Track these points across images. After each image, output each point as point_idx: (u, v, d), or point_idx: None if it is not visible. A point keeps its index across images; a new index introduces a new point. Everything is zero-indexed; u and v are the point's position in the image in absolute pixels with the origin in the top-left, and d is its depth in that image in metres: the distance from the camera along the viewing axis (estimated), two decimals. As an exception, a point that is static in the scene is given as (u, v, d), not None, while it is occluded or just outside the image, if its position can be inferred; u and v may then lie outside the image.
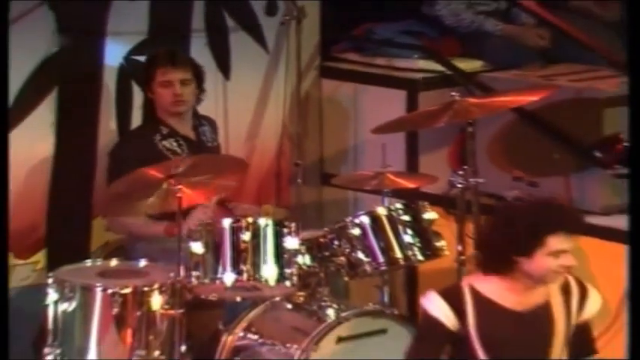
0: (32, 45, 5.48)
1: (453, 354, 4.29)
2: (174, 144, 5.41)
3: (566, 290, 4.27)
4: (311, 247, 5.09)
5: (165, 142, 5.40)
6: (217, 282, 4.96)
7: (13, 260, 5.50)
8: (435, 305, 4.23)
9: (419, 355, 4.29)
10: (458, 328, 4.22)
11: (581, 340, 4.32)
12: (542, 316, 4.23)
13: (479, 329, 4.22)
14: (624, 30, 6.22)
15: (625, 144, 5.34)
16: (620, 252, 5.24)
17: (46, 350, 4.99)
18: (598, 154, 5.44)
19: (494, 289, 4.23)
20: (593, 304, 4.31)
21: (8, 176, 3.79)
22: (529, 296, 4.22)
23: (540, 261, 4.16)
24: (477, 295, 4.23)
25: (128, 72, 5.68)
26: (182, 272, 4.93)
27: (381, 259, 5.10)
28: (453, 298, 4.23)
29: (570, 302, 4.27)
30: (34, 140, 5.54)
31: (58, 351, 4.97)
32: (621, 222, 5.35)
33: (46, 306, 4.99)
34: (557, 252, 4.15)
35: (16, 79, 5.44)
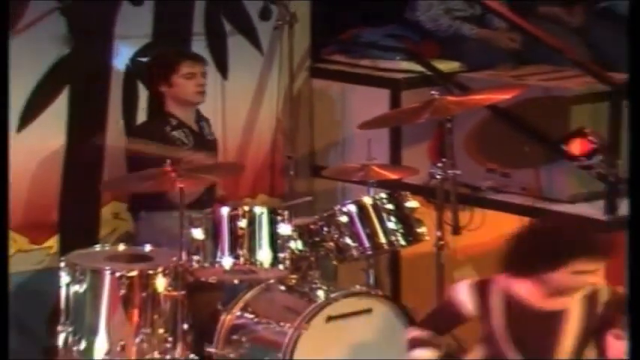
0: (46, 47, 5.49)
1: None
2: (182, 134, 5.44)
3: (592, 299, 4.21)
4: (302, 233, 5.09)
5: (174, 133, 5.43)
6: (216, 265, 4.98)
7: (28, 245, 5.52)
8: (462, 291, 4.24)
9: (428, 325, 4.32)
10: (474, 316, 4.23)
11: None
12: (558, 319, 4.18)
13: (508, 324, 4.19)
14: (588, 34, 6.28)
15: (590, 138, 5.35)
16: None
17: (59, 328, 5.01)
18: (565, 148, 5.41)
19: (526, 288, 4.19)
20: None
21: (8, 176, 3.77)
22: (553, 297, 4.18)
23: (563, 277, 4.11)
24: (507, 293, 4.20)
25: (134, 72, 5.68)
26: (184, 257, 4.95)
27: (366, 244, 5.12)
28: (481, 289, 4.23)
29: (595, 310, 4.20)
30: (48, 134, 5.55)
31: (70, 329, 4.98)
32: (586, 209, 5.39)
33: (59, 288, 4.98)
34: (580, 272, 4.10)
35: (32, 78, 5.48)
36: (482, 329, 4.28)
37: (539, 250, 4.15)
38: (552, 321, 4.19)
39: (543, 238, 4.17)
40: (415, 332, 4.32)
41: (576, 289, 4.17)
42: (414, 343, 4.31)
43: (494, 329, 4.21)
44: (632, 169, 3.56)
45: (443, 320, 4.33)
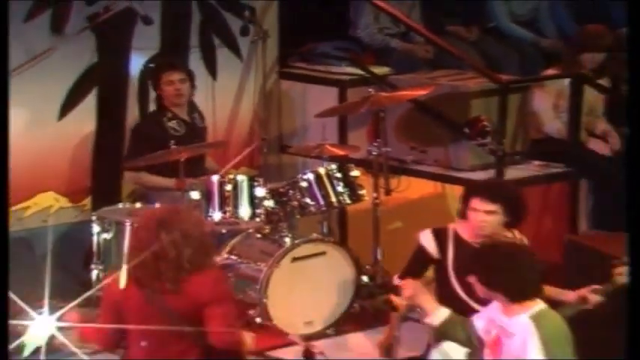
0: (79, 57, 5.43)
1: (435, 275, 4.20)
2: (175, 124, 5.36)
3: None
4: (274, 195, 5.09)
5: (169, 123, 5.34)
6: (209, 219, 4.94)
7: (68, 204, 5.48)
8: (425, 238, 4.19)
9: (407, 272, 4.20)
10: (438, 257, 4.15)
11: None
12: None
13: (455, 260, 4.12)
14: (481, 46, 6.33)
15: (484, 123, 5.38)
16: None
17: (92, 267, 5.00)
18: (466, 130, 5.42)
19: (467, 231, 4.16)
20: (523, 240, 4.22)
21: (8, 175, 3.56)
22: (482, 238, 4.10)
23: (471, 216, 4.11)
24: (457, 235, 4.16)
25: (146, 75, 5.63)
26: None
27: (321, 202, 5.11)
28: (440, 235, 4.17)
29: None
30: (82, 121, 5.50)
31: (100, 267, 4.96)
32: (481, 175, 5.38)
33: (92, 236, 4.98)
34: (474, 209, 4.08)
35: (69, 80, 5.44)
36: (438, 271, 4.16)
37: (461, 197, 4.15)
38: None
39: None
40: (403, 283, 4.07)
41: (479, 227, 4.06)
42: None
43: (447, 270, 4.12)
44: (632, 168, 3.33)
45: (416, 265, 4.20)
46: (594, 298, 4.01)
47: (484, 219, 4.10)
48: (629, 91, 3.46)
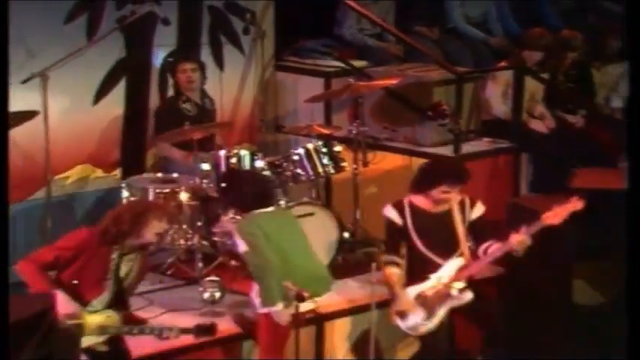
0: (111, 52, 5.41)
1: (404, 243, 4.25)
2: (189, 106, 5.35)
3: (461, 204, 4.28)
4: (271, 166, 5.08)
5: (184, 105, 5.35)
6: (217, 186, 4.91)
7: (102, 174, 5.43)
8: (389, 211, 4.25)
9: (389, 249, 4.23)
10: (402, 224, 4.22)
11: (477, 231, 4.27)
12: (447, 217, 4.24)
13: (413, 224, 4.22)
14: (442, 43, 6.37)
15: (444, 107, 5.42)
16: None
17: (123, 225, 5.03)
18: (430, 113, 5.46)
19: (420, 201, 4.26)
20: (478, 210, 4.30)
21: (8, 174, 3.39)
22: (439, 206, 4.24)
23: (436, 194, 4.21)
24: (411, 204, 4.25)
25: (165, 67, 5.57)
26: (198, 180, 4.95)
27: (310, 172, 5.11)
28: (399, 207, 4.24)
29: (464, 210, 4.27)
30: (113, 105, 5.47)
31: None
32: (442, 150, 5.43)
33: (122, 199, 4.96)
34: (445, 191, 4.20)
35: (102, 72, 5.40)
36: (404, 238, 4.22)
37: (424, 173, 4.26)
38: (443, 219, 4.21)
39: (428, 170, 4.31)
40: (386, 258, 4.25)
41: (441, 201, 4.22)
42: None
43: (410, 233, 4.20)
44: (632, 169, 3.21)
45: (392, 239, 4.24)
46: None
47: (453, 197, 4.20)
48: (630, 91, 3.35)
